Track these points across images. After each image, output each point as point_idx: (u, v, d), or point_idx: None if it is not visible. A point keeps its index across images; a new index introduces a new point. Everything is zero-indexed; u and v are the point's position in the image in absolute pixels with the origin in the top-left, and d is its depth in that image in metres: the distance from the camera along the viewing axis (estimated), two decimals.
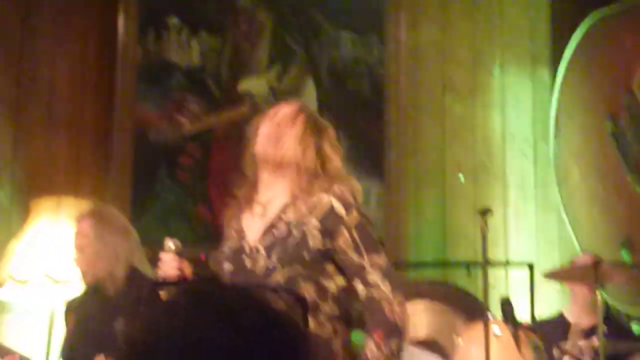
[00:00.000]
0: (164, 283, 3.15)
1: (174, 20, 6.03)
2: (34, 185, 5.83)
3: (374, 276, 3.17)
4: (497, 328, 4.47)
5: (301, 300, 2.73)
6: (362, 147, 6.08)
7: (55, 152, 5.93)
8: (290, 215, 3.26)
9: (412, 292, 5.77)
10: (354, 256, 3.19)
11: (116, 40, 5.98)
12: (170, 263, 3.30)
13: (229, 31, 6.09)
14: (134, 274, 4.34)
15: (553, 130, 6.24)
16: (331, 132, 3.44)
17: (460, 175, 6.02)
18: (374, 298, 3.15)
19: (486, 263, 4.28)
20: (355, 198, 3.31)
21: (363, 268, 3.18)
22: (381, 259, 3.23)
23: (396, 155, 6.12)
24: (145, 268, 4.44)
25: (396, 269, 5.89)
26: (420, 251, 6.00)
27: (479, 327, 4.56)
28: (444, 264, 5.96)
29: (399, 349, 3.17)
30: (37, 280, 5.32)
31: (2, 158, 5.85)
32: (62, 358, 4.52)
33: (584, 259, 5.22)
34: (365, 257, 3.19)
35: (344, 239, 3.21)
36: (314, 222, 3.23)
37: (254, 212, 3.37)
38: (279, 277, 3.18)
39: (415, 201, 6.08)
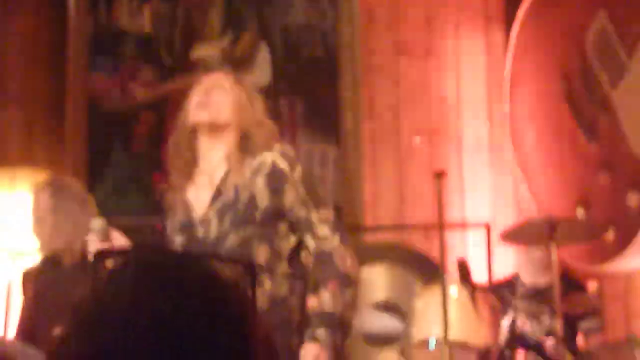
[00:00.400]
0: (111, 252, 3.15)
1: None
2: None
3: (324, 230, 3.24)
4: (454, 290, 4.50)
5: (249, 267, 2.75)
6: (317, 112, 6.08)
7: (8, 123, 5.89)
8: (236, 179, 3.29)
9: (371, 255, 5.80)
10: (302, 211, 3.24)
11: (67, 9, 5.93)
12: (93, 244, 3.38)
13: None
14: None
15: (507, 91, 6.26)
16: (261, 101, 3.51)
17: (417, 138, 6.04)
18: (325, 251, 3.21)
19: (443, 225, 4.30)
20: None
21: (312, 222, 3.24)
22: (329, 213, 3.29)
23: (352, 119, 6.12)
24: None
25: (354, 233, 5.95)
26: (378, 215, 6.02)
27: (436, 289, 4.59)
28: (402, 226, 5.98)
29: (355, 299, 3.25)
30: None
31: None
32: (20, 328, 4.50)
33: (537, 219, 5.26)
34: (313, 211, 3.25)
35: (291, 195, 3.26)
36: (260, 182, 3.27)
37: (198, 183, 3.41)
38: (233, 241, 3.23)
39: (371, 165, 6.08)
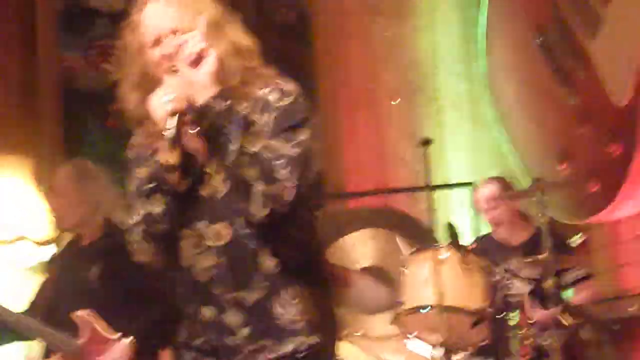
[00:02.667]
0: None
1: None
2: None
3: None
4: (444, 252, 4.48)
5: None
6: (293, 79, 6.01)
7: None
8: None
9: (355, 220, 5.78)
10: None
11: None
12: None
13: None
14: (109, 225, 4.26)
15: (483, 47, 6.22)
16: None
17: (396, 100, 6.01)
18: None
19: (430, 189, 4.28)
20: None
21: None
22: None
23: (328, 85, 6.08)
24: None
25: (337, 200, 5.94)
26: (360, 179, 5.99)
27: (425, 253, 4.58)
28: (385, 190, 5.96)
29: None
30: None
31: None
32: (36, 306, 4.45)
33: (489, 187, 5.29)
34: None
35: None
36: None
37: None
38: None
39: (351, 129, 6.05)
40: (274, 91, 2.69)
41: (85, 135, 5.79)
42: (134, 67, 2.73)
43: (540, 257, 4.58)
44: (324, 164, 5.91)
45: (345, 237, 5.68)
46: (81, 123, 5.79)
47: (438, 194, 5.86)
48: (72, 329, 4.06)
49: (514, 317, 4.69)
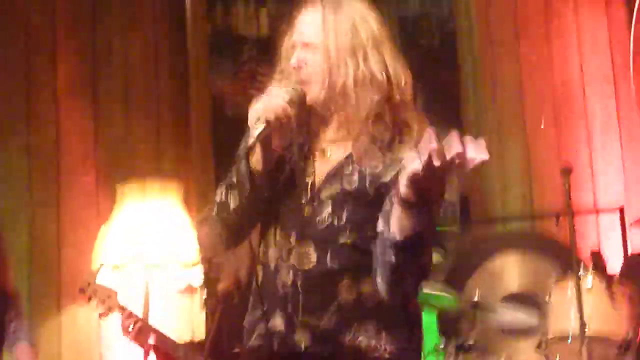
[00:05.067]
0: None
1: None
2: (118, 169, 5.90)
3: None
4: (590, 282, 4.42)
5: None
6: (439, 102, 5.96)
7: (135, 134, 6.00)
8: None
9: (502, 244, 5.73)
10: None
11: (185, 17, 6.00)
12: None
13: None
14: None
15: (632, 66, 6.09)
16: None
17: (542, 122, 5.94)
18: None
19: (572, 218, 4.22)
20: None
21: None
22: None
23: (474, 108, 6.06)
24: None
25: (484, 224, 5.89)
26: (507, 205, 5.93)
27: (570, 280, 4.52)
28: (532, 216, 5.88)
29: None
30: (129, 265, 5.40)
31: (85, 144, 5.92)
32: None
33: None
34: None
35: None
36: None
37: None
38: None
39: (497, 152, 6.00)
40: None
41: (233, 160, 5.89)
42: (281, 68, 2.72)
43: None
44: (469, 188, 5.91)
45: (493, 261, 5.65)
46: (231, 147, 5.89)
47: (585, 220, 5.78)
48: None
49: None
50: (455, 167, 2.12)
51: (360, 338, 2.57)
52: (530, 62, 6.12)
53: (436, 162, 2.11)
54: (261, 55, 5.92)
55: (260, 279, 2.68)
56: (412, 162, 2.17)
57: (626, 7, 6.17)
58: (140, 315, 4.96)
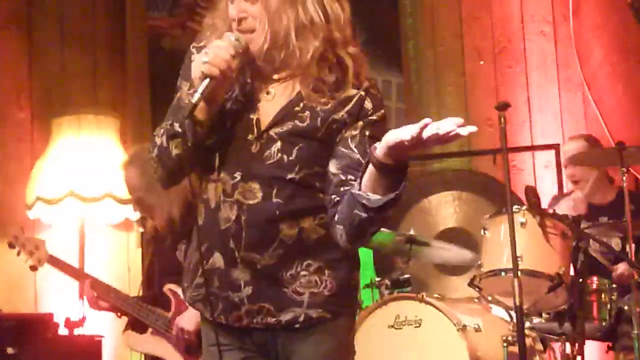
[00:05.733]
0: None
1: None
2: (53, 103, 5.84)
3: None
4: (523, 216, 4.43)
5: None
6: (379, 40, 6.00)
7: (71, 68, 5.93)
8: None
9: (439, 182, 5.76)
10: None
11: None
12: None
13: None
14: (190, 206, 4.32)
15: (571, 7, 6.11)
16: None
17: (481, 61, 5.96)
18: None
19: (507, 150, 4.23)
20: None
21: None
22: None
23: (414, 46, 6.05)
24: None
25: (421, 162, 5.91)
26: None
27: (504, 216, 4.54)
28: (469, 153, 5.91)
29: None
30: (64, 199, 5.36)
31: (20, 79, 5.85)
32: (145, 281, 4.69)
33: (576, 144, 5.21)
34: None
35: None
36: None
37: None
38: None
39: (436, 91, 6.01)
40: (369, 99, 2.58)
41: (172, 95, 5.84)
42: (216, 18, 2.67)
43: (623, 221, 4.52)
44: (409, 124, 5.88)
45: (429, 198, 5.68)
46: (168, 83, 5.83)
47: (521, 157, 5.82)
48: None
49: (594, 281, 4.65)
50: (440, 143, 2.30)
51: (302, 274, 2.58)
52: (469, 0, 6.12)
53: (427, 136, 2.26)
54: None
55: (202, 217, 2.68)
56: (401, 130, 2.30)
57: None
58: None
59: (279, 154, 2.57)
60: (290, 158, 2.56)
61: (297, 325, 2.58)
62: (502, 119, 4.10)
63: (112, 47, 5.97)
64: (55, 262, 4.68)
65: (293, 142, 2.57)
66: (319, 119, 2.58)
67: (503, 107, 4.10)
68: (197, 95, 2.46)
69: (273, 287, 2.57)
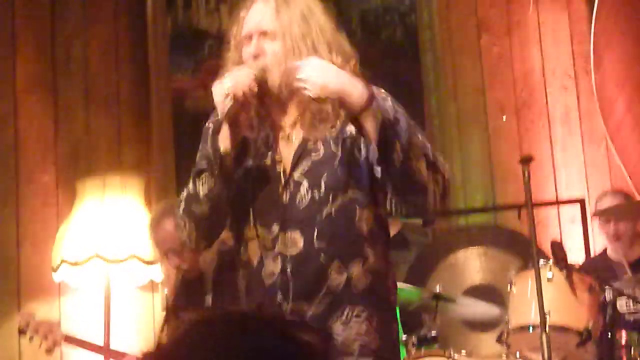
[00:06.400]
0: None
1: None
2: (78, 165, 5.87)
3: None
4: (550, 272, 4.41)
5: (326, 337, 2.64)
6: (401, 96, 5.97)
7: (95, 130, 5.96)
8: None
9: (465, 238, 5.74)
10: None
11: (145, 14, 5.97)
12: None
13: None
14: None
15: (593, 61, 6.12)
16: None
17: (504, 116, 5.95)
18: None
19: (532, 210, 4.23)
20: None
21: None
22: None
23: (436, 101, 6.06)
24: None
25: (445, 217, 5.89)
26: (469, 197, 5.93)
27: (531, 271, 4.51)
28: (494, 208, 5.89)
29: None
30: (89, 261, 5.36)
31: (45, 142, 5.88)
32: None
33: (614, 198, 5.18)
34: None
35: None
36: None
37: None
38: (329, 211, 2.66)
39: (459, 146, 6.01)
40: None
41: (195, 155, 5.86)
42: (232, 58, 2.84)
43: None
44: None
45: (455, 254, 5.66)
46: (192, 142, 5.85)
47: (546, 211, 5.79)
48: None
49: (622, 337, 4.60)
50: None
51: (352, 323, 2.59)
52: (491, 55, 6.13)
53: None
54: (222, 50, 5.88)
55: (245, 280, 2.69)
56: None
57: (587, 1, 6.20)
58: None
59: (310, 192, 2.62)
60: (321, 191, 2.59)
61: None
62: (526, 173, 4.09)
63: (137, 109, 6.00)
64: (72, 341, 4.62)
65: (317, 175, 2.62)
66: (331, 144, 2.61)
67: (527, 160, 4.10)
68: (221, 115, 2.53)
69: None
